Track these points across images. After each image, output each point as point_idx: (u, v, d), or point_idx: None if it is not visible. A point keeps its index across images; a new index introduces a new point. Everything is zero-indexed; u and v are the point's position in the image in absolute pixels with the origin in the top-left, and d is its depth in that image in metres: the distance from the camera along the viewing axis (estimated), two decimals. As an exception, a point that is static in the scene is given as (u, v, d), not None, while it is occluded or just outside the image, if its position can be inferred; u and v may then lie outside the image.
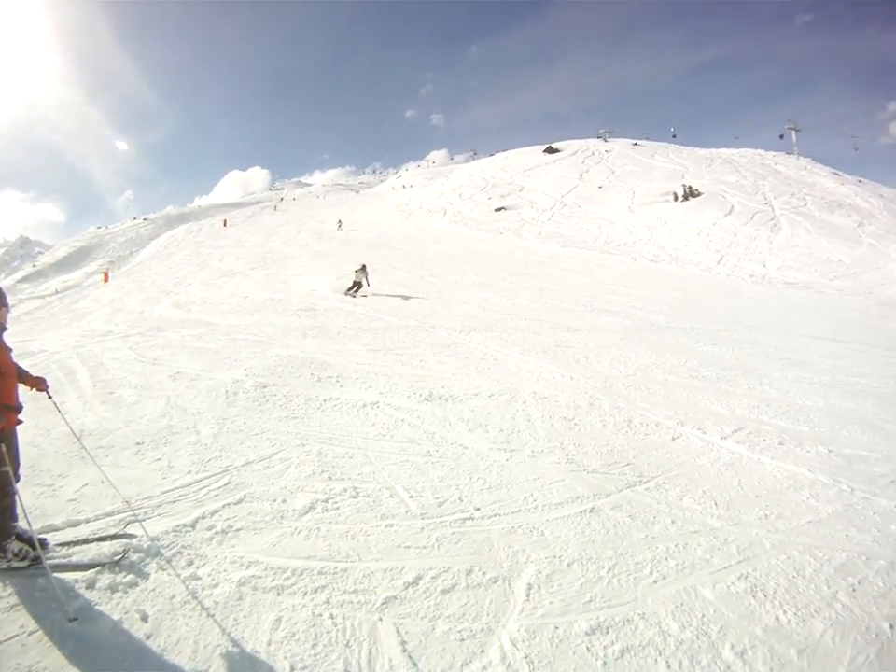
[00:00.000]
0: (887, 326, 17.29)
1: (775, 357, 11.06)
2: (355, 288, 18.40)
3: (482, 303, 16.69)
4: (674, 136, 61.65)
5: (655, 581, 4.11)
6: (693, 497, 5.41)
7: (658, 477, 5.77)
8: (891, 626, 3.92)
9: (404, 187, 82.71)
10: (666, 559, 4.38)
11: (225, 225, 64.03)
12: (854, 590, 4.25)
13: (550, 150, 62.98)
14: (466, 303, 16.67)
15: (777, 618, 3.84)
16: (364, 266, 19.07)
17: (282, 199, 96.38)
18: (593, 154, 57.28)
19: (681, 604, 3.89)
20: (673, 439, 6.82)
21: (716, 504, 5.28)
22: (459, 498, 5.15)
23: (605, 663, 3.36)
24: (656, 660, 3.41)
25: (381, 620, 3.56)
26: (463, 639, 3.45)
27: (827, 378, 10.00)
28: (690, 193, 38.37)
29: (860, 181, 44.83)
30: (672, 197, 38.87)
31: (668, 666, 3.37)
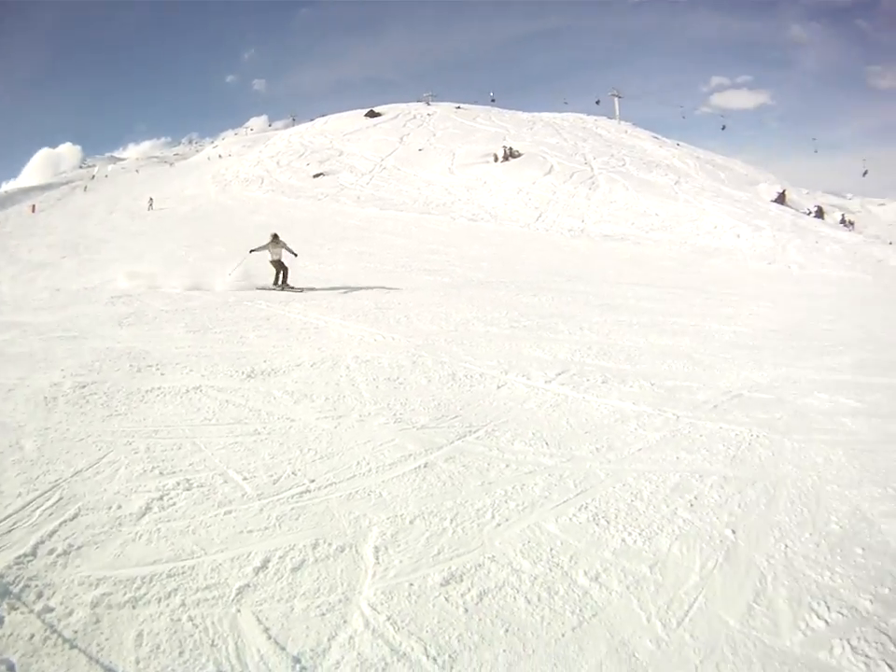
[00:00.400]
0: (700, 271, 18.90)
1: (594, 304, 11.66)
2: (279, 276, 15.02)
3: (299, 272, 16.18)
4: (493, 100, 63.02)
5: (499, 524, 4.14)
6: (523, 440, 5.49)
7: (487, 425, 5.80)
8: (733, 531, 4.30)
9: (221, 156, 78.72)
10: (506, 502, 4.43)
11: (33, 211, 57.45)
12: (692, 505, 4.58)
13: (371, 114, 62.50)
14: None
15: (624, 540, 4.03)
16: (276, 236, 15.10)
17: (93, 177, 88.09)
18: (414, 118, 57.56)
19: (528, 541, 3.96)
20: (498, 387, 6.91)
21: (547, 444, 5.41)
22: (293, 473, 4.95)
23: (466, 609, 3.36)
24: (514, 598, 3.46)
25: (239, 611, 3.37)
26: (324, 614, 3.33)
27: (645, 319, 10.71)
28: (510, 154, 39.46)
29: (678, 144, 48.54)
30: (493, 158, 39.82)
31: (528, 601, 3.43)
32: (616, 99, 54.27)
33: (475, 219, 29.16)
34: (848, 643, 3.57)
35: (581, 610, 3.41)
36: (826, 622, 3.70)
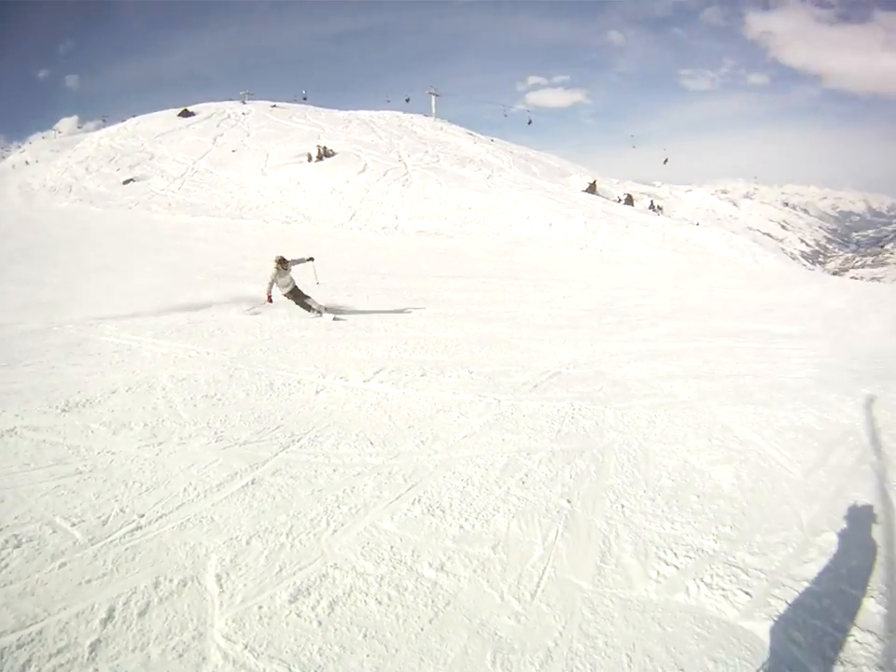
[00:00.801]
0: (514, 260, 19.66)
1: (409, 299, 11.70)
2: (305, 304, 11.75)
3: (108, 289, 14.88)
4: (305, 98, 61.46)
5: (335, 531, 4.07)
6: (348, 442, 5.41)
7: (310, 432, 5.66)
8: (569, 501, 4.53)
9: (28, 163, 71.18)
10: (339, 507, 4.36)
11: None
12: (524, 482, 4.74)
13: (185, 114, 58.79)
14: (94, 292, 14.67)
15: (462, 526, 4.10)
16: (283, 261, 11.30)
17: None
18: (229, 117, 55.08)
19: (367, 543, 3.93)
20: (317, 392, 6.76)
21: (372, 443, 5.39)
22: (121, 510, 4.55)
23: (320, 622, 3.30)
24: (365, 601, 3.45)
25: (97, 671, 3.08)
26: (181, 655, 3.14)
27: (461, 310, 10.94)
28: (324, 153, 38.84)
29: (492, 140, 49.76)
30: (306, 158, 39.00)
31: (379, 602, 3.43)
32: (433, 97, 54.63)
33: (289, 222, 28.45)
34: (702, 581, 3.90)
35: (433, 602, 3.44)
36: (676, 567, 4.00)
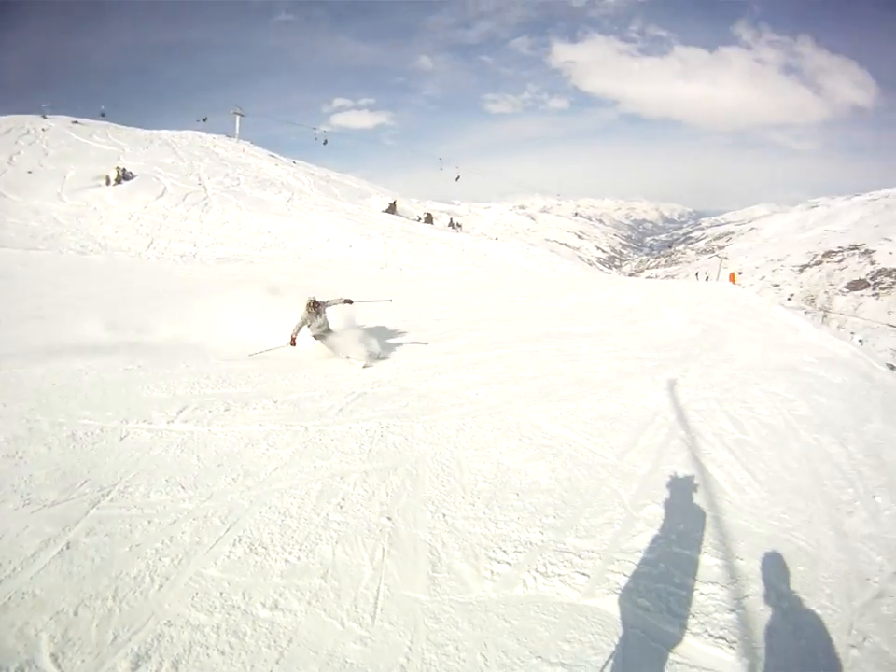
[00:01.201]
0: (314, 283, 19.48)
1: (207, 329, 10.76)
2: (340, 348, 10.50)
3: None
4: (102, 115, 56.44)
5: (161, 586, 3.89)
6: (158, 489, 5.12)
7: (118, 483, 5.27)
8: (389, 518, 4.67)
9: None
10: (160, 560, 4.15)
11: None
12: (342, 506, 4.82)
13: (-23, 128, 52.47)
14: None
15: (287, 560, 4.10)
16: (315, 303, 10.13)
17: None
18: (28, 133, 49.56)
19: (196, 593, 3.81)
20: (121, 439, 6.25)
21: (183, 487, 5.14)
22: None
23: None
24: (208, 654, 3.36)
25: None
26: None
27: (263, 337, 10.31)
28: (123, 176, 36.32)
29: (294, 162, 48.80)
30: (104, 181, 36.37)
31: (222, 653, 3.37)
32: (238, 117, 52.47)
33: (84, 251, 26.21)
34: (537, 571, 4.20)
35: (275, 642, 3.41)
36: (508, 563, 4.26)
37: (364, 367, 9.80)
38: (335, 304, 10.41)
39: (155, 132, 46.94)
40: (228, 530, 4.38)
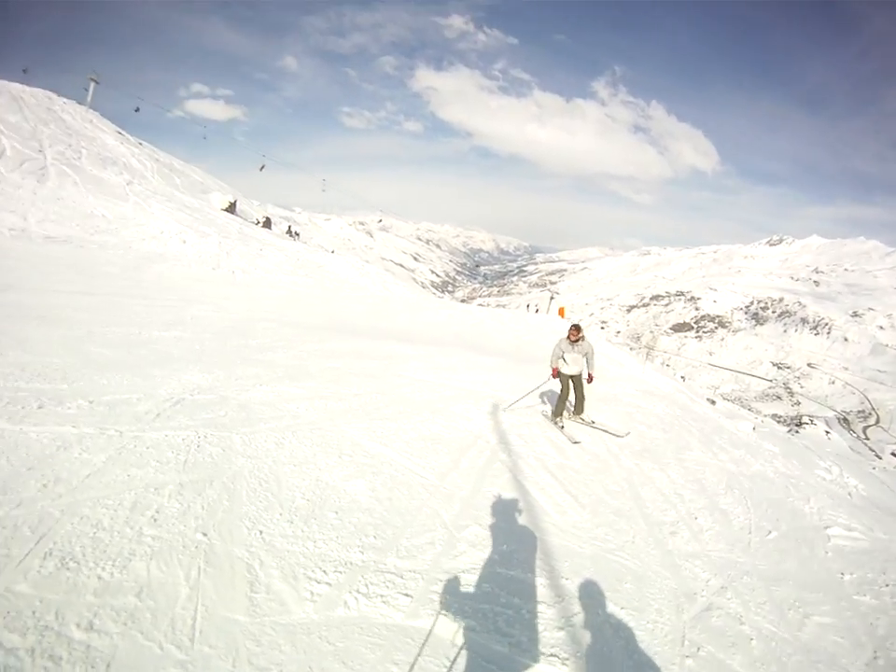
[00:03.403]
0: (144, 277, 18.51)
1: (30, 317, 10.26)
2: (575, 399, 10.04)
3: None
4: (25, 71, 49.14)
5: None
6: None
7: None
8: (205, 534, 4.53)
9: None
10: None
11: None
12: (156, 520, 4.60)
13: None
14: None
15: (100, 577, 3.86)
16: (577, 329, 9.81)
17: None
18: None
19: (8, 612, 3.46)
20: None
21: None
22: None
23: None
24: None
25: None
26: None
27: (83, 332, 9.93)
28: None
29: (140, 143, 45.31)
30: None
31: None
32: (93, 83, 47.75)
33: None
34: (358, 592, 4.23)
35: (93, 667, 3.21)
36: (328, 584, 4.25)
37: (575, 443, 8.99)
38: (592, 351, 9.93)
39: (5, 83, 41.99)
40: (38, 542, 4.07)
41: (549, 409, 10.53)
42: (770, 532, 7.09)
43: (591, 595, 4.82)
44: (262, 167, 51.20)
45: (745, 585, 5.60)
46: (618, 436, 9.61)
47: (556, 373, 9.95)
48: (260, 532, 4.77)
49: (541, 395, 11.42)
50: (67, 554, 4.02)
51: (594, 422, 10.01)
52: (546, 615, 4.44)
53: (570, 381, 9.93)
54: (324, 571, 4.41)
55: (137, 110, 49.09)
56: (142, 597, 3.76)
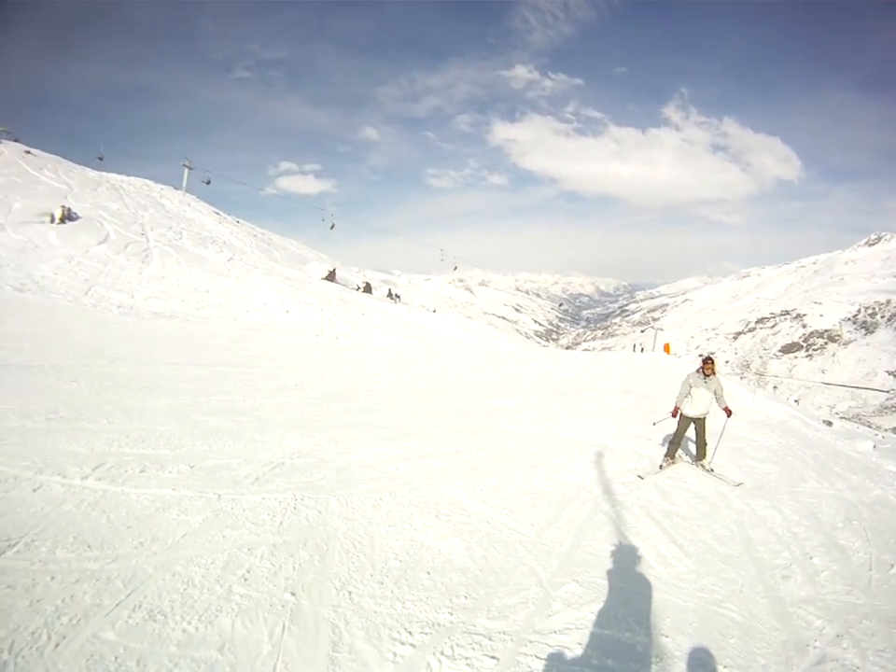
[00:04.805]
0: (248, 347, 19.25)
1: (135, 388, 10.83)
2: (700, 445, 9.75)
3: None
4: (101, 159, 54.11)
5: (57, 645, 3.76)
6: (65, 546, 4.97)
7: (26, 536, 5.11)
8: (293, 594, 4.57)
9: None
10: (58, 618, 4.02)
11: None
12: (246, 579, 4.70)
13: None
14: None
15: (185, 630, 3.98)
16: (711, 362, 9.49)
17: None
18: None
19: (91, 656, 3.68)
20: (34, 490, 6.05)
21: (90, 546, 4.99)
22: None
23: None
24: None
25: None
26: None
27: (188, 400, 10.36)
28: (67, 216, 35.24)
29: (238, 221, 48.48)
30: (49, 218, 35.26)
31: None
32: (187, 170, 51.57)
33: (22, 290, 24.83)
34: (442, 654, 4.11)
35: None
36: (412, 645, 4.17)
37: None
38: (722, 390, 9.46)
39: (104, 174, 45.78)
40: (129, 595, 4.28)
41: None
42: (893, 566, 6.59)
43: (692, 653, 4.56)
44: (332, 226, 53.06)
45: (863, 631, 5.17)
46: (733, 484, 8.99)
47: (677, 413, 9.38)
48: (349, 593, 4.76)
49: (655, 441, 11.01)
50: (156, 608, 4.19)
51: (712, 470, 9.48)
52: (639, 677, 4.24)
53: (692, 423, 9.43)
54: (409, 633, 4.34)
55: (208, 182, 51.90)
56: (224, 651, 3.84)
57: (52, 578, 4.51)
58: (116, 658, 3.67)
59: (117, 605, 4.16)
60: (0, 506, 5.64)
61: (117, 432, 7.98)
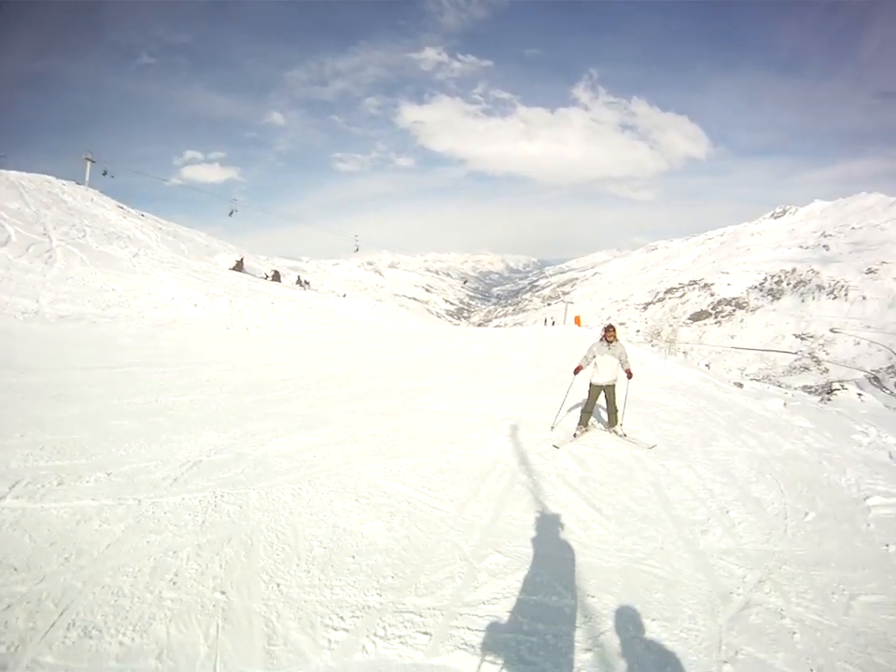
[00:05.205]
0: (158, 345, 18.69)
1: (45, 397, 10.36)
2: (611, 411, 10.04)
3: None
4: (105, 174, 50.88)
5: None
6: None
7: None
8: (223, 592, 4.59)
9: None
10: None
11: None
12: (175, 582, 4.70)
13: None
14: None
15: (121, 642, 3.96)
16: (612, 330, 9.94)
17: None
18: None
19: None
20: None
21: (16, 569, 4.78)
22: None
23: None
24: None
25: None
26: None
27: (99, 405, 10.06)
28: None
29: (143, 215, 46.17)
30: None
31: None
32: (89, 163, 48.72)
33: None
34: (376, 635, 4.23)
35: None
36: (345, 630, 4.27)
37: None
38: (626, 356, 9.89)
39: (2, 172, 42.85)
40: (61, 614, 4.21)
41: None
42: (807, 514, 7.04)
43: (619, 610, 4.75)
44: (231, 212, 51.85)
45: (784, 575, 5.52)
46: (647, 447, 9.48)
47: (579, 371, 9.84)
48: (278, 585, 4.81)
49: (570, 409, 11.35)
50: (90, 624, 4.14)
51: (625, 435, 9.87)
52: (571, 637, 4.38)
53: (602, 391, 9.87)
54: (341, 618, 4.43)
55: (105, 174, 49.73)
56: (162, 659, 3.84)
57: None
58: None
59: (51, 626, 4.09)
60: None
61: (30, 446, 7.69)
